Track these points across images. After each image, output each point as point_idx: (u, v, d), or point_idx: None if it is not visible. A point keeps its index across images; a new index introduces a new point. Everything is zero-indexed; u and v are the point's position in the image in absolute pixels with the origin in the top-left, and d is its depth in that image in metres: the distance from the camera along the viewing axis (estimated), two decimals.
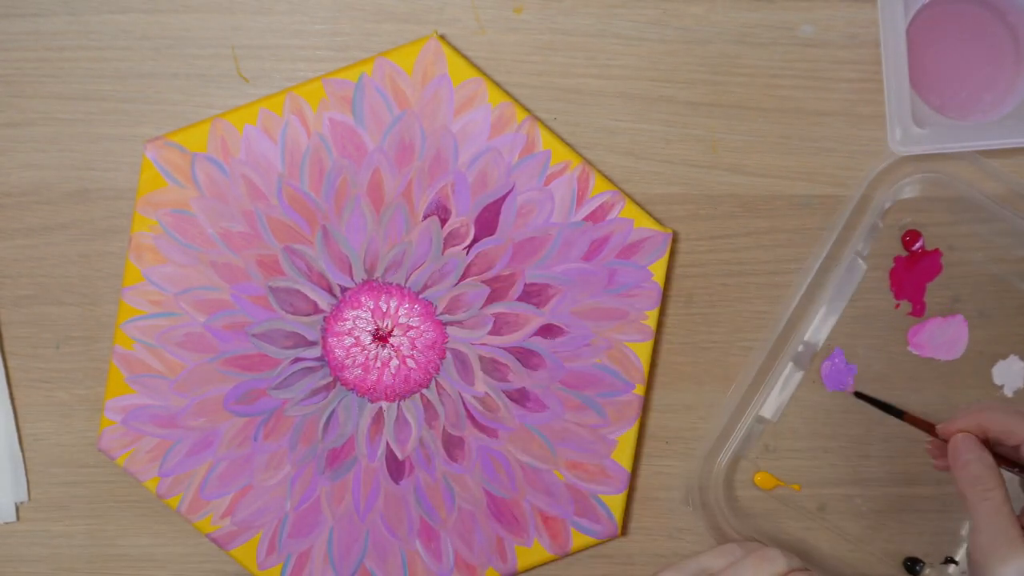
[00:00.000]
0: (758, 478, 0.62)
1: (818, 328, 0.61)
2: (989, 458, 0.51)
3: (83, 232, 0.59)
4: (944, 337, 0.61)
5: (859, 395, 0.60)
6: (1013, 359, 0.62)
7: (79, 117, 0.59)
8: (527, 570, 0.61)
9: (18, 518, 0.60)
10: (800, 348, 0.60)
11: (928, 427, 0.55)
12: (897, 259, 0.61)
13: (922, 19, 0.59)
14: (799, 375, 0.61)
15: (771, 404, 0.61)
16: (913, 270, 0.61)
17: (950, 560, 0.62)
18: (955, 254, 0.61)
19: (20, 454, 0.60)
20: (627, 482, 0.60)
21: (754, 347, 0.61)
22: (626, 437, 0.60)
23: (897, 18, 0.58)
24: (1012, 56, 0.60)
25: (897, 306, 0.62)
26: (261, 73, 0.59)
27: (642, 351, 0.60)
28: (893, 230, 0.61)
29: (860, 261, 0.61)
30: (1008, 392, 0.62)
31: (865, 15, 0.60)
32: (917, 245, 0.60)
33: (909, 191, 0.61)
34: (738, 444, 0.60)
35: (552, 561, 0.61)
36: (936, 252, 0.61)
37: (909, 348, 0.62)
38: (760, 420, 0.61)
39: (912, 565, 0.62)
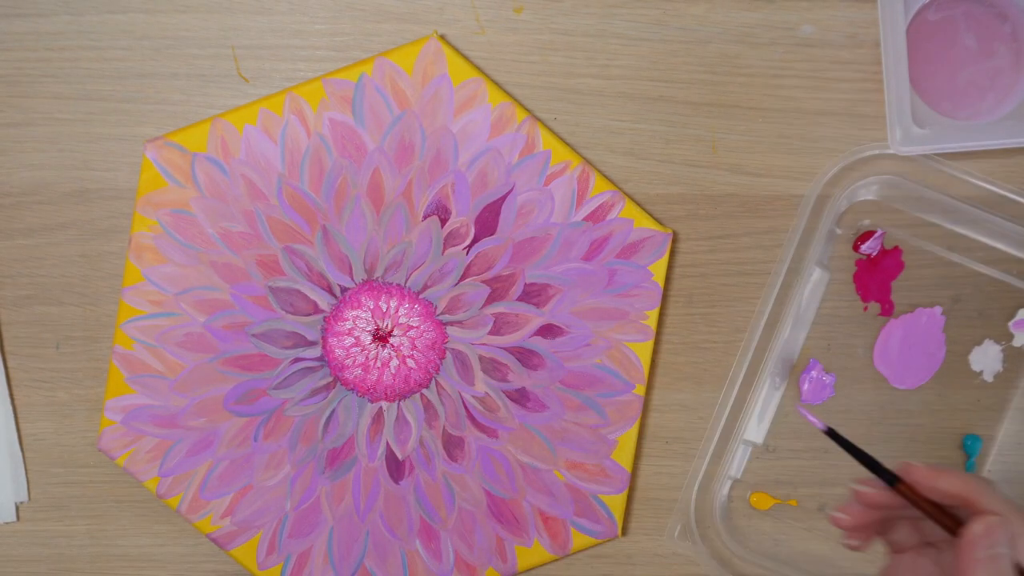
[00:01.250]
0: (754, 499, 0.62)
1: (790, 342, 0.61)
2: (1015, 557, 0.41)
3: (83, 232, 0.59)
4: (918, 332, 0.61)
5: (830, 433, 0.50)
6: (988, 344, 0.62)
7: (79, 117, 0.59)
8: (527, 570, 0.61)
9: (18, 518, 0.60)
10: (776, 365, 0.60)
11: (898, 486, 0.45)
12: (859, 262, 0.61)
13: (922, 19, 0.59)
14: (780, 392, 0.61)
15: (755, 426, 0.61)
16: (875, 271, 0.61)
17: None
18: (915, 250, 0.61)
19: (20, 454, 0.60)
20: (627, 482, 0.60)
21: (731, 367, 0.61)
22: (626, 437, 0.60)
23: (897, 18, 0.57)
24: (1012, 56, 0.60)
25: (866, 308, 0.62)
26: (261, 73, 0.59)
27: (642, 351, 0.60)
28: (850, 234, 0.61)
29: (820, 269, 0.61)
30: (988, 377, 0.62)
31: (865, 15, 0.60)
32: (865, 246, 0.60)
33: (862, 194, 0.61)
34: (729, 471, 0.60)
35: (552, 561, 0.61)
36: (896, 250, 0.61)
37: (874, 359, 0.62)
38: (747, 443, 0.61)
39: None
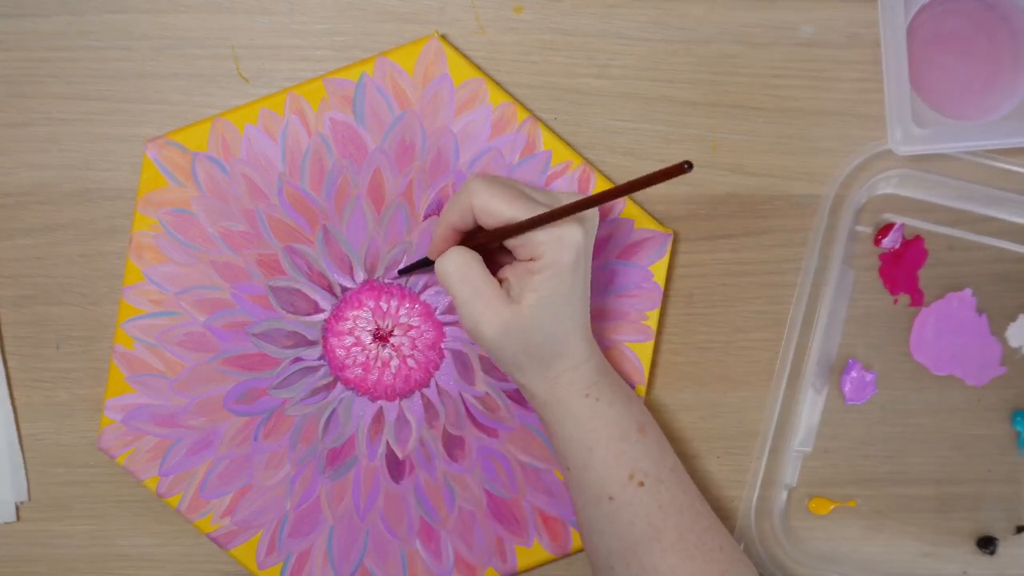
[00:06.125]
0: (812, 505, 0.62)
1: (826, 345, 0.61)
2: (472, 261, 0.51)
3: (83, 232, 0.59)
4: (952, 316, 0.62)
5: (402, 272, 0.59)
6: (1023, 319, 0.62)
7: (79, 117, 0.59)
8: (527, 570, 0.61)
9: (18, 518, 0.60)
10: (815, 370, 0.61)
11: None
12: (882, 256, 0.61)
13: (922, 19, 0.59)
14: (822, 396, 0.62)
15: (803, 434, 0.61)
16: (900, 263, 0.61)
17: (1022, 529, 0.62)
18: (936, 236, 0.62)
19: (20, 454, 0.60)
20: None
21: (759, 364, 0.62)
22: None
23: (897, 18, 0.58)
24: (1012, 56, 0.60)
25: (896, 301, 0.62)
26: (261, 73, 0.59)
27: (642, 351, 0.60)
28: (868, 230, 0.61)
29: (846, 269, 0.61)
30: None
31: (865, 15, 0.60)
32: (887, 239, 0.60)
33: (881, 188, 0.61)
34: (784, 480, 0.61)
35: (552, 561, 0.61)
36: (918, 239, 0.61)
37: (910, 350, 0.62)
38: (798, 452, 0.61)
39: (985, 544, 0.62)
